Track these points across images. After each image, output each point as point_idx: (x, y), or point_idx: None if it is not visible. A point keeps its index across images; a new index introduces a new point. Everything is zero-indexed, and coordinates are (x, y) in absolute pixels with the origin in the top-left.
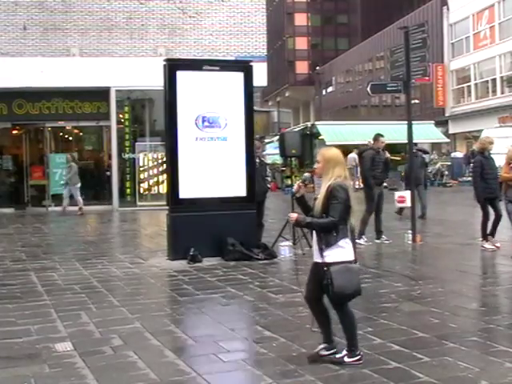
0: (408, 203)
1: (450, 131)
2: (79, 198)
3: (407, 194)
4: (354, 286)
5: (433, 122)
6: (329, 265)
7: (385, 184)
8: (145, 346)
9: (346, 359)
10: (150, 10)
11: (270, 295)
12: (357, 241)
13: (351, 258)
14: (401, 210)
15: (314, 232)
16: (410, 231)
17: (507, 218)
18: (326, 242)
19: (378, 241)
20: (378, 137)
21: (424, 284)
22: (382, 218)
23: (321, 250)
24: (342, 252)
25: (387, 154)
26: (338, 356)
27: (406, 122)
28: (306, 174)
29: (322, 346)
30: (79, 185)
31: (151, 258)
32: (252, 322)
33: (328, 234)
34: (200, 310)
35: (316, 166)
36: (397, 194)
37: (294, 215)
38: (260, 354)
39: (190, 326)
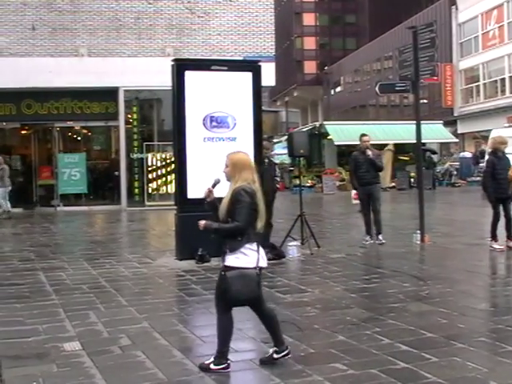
0: None
1: (459, 131)
2: (7, 202)
3: None
4: (248, 293)
5: (441, 121)
6: (226, 269)
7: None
8: (153, 346)
9: (212, 366)
10: (158, 10)
11: (277, 295)
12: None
13: (251, 265)
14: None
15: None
16: (418, 231)
17: None
18: (230, 247)
19: (376, 241)
20: (361, 136)
21: (432, 284)
22: (381, 219)
23: (224, 254)
24: (242, 258)
25: (369, 153)
26: (206, 362)
27: (415, 122)
28: (217, 178)
29: (271, 349)
30: (10, 188)
31: (159, 257)
32: (260, 322)
33: (233, 239)
34: (208, 309)
35: (223, 169)
36: (353, 192)
37: (202, 222)
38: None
39: (197, 325)
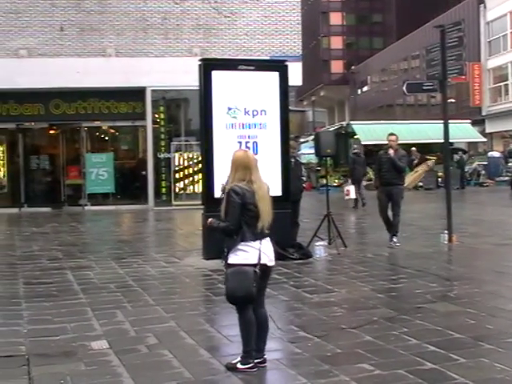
0: (352, 195)
1: (487, 130)
2: None
3: (351, 188)
4: (244, 289)
5: (469, 121)
6: (228, 266)
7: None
8: (179, 345)
9: (239, 365)
10: (185, 11)
11: (304, 295)
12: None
13: (249, 261)
14: (356, 204)
15: None
16: (445, 231)
17: None
18: (227, 245)
19: (390, 243)
20: (388, 135)
21: (460, 284)
22: (398, 221)
23: (224, 252)
24: (241, 255)
25: (390, 151)
26: (233, 361)
27: (442, 122)
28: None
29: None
30: None
31: (186, 257)
32: (287, 322)
33: (229, 238)
34: (234, 309)
35: None
36: (345, 188)
37: (209, 220)
38: (295, 353)
39: (224, 325)
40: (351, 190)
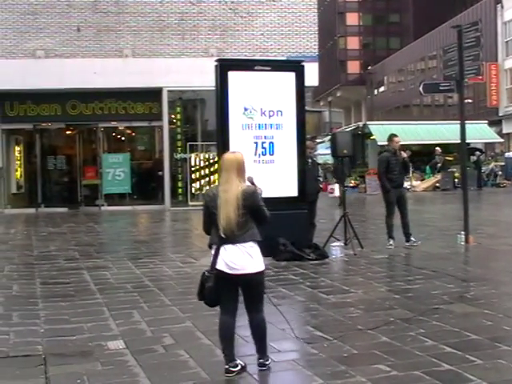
0: (336, 193)
1: (504, 131)
2: None
3: (336, 186)
4: (206, 292)
5: (486, 121)
6: None
7: (409, 185)
8: (196, 345)
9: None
10: (201, 11)
11: (321, 295)
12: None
13: (212, 265)
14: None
15: None
16: (462, 232)
17: None
18: None
19: (407, 244)
20: (392, 137)
21: (477, 286)
22: (409, 221)
23: None
24: (210, 258)
25: (403, 155)
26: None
27: (459, 122)
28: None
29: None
30: None
31: (203, 257)
32: (303, 323)
33: None
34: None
35: None
36: (329, 187)
37: None
38: (311, 354)
39: (240, 325)
40: (335, 189)
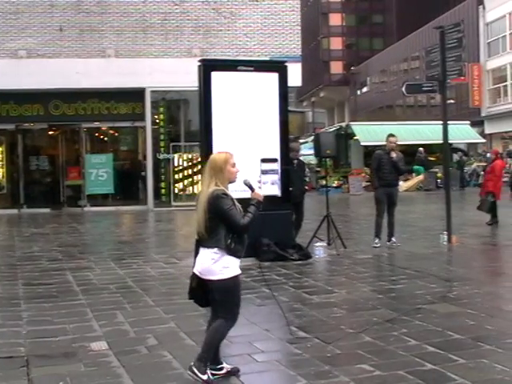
0: None
1: (486, 131)
2: None
3: None
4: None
5: (468, 122)
6: None
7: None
8: (180, 346)
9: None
10: (184, 11)
11: (304, 296)
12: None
13: None
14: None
15: None
16: (445, 232)
17: None
18: None
19: (387, 243)
20: (388, 137)
21: (460, 285)
22: (394, 221)
23: None
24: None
25: (393, 155)
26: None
27: (442, 123)
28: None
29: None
30: None
31: (186, 258)
32: (287, 323)
33: None
34: None
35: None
36: None
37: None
38: (294, 354)
39: None
40: None
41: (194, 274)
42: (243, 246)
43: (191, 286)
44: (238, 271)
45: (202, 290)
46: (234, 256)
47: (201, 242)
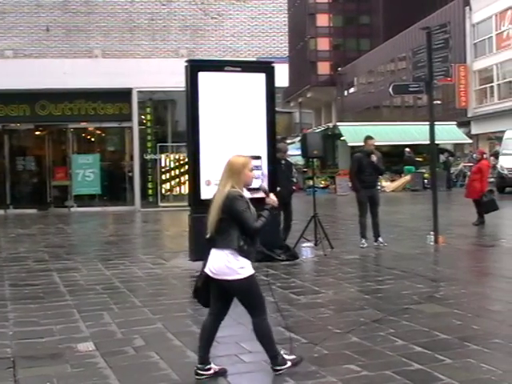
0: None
1: (473, 132)
2: None
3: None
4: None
5: (455, 122)
6: None
7: (379, 185)
8: (167, 347)
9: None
10: (171, 12)
11: (291, 296)
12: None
13: None
14: None
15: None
16: (432, 232)
17: None
18: None
19: (374, 243)
20: (366, 139)
21: (447, 285)
22: (379, 221)
23: None
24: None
25: (374, 158)
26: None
27: (429, 123)
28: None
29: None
30: None
31: (173, 258)
32: (274, 323)
33: None
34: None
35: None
36: None
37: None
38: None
39: None
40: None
41: (201, 273)
42: (255, 248)
43: (196, 285)
44: (252, 271)
45: (207, 291)
46: (247, 258)
47: (212, 243)
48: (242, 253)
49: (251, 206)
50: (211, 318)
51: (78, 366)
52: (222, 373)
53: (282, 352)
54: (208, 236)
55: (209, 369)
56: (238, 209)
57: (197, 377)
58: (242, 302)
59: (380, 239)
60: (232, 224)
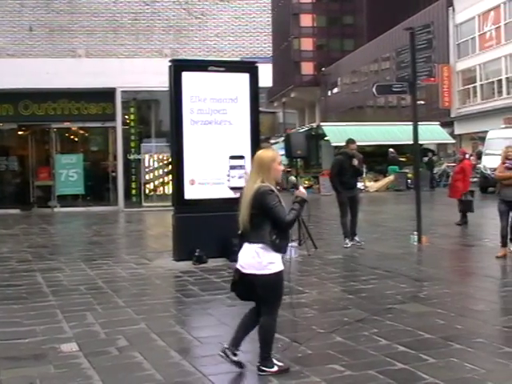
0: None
1: (456, 132)
2: None
3: None
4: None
5: (438, 122)
6: None
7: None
8: (150, 347)
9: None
10: (155, 12)
11: None
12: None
13: None
14: None
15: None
16: (415, 232)
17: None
18: None
19: (351, 242)
20: (348, 142)
21: (430, 285)
22: (357, 221)
23: None
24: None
25: (355, 162)
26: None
27: (412, 123)
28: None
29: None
30: None
31: (157, 258)
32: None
33: None
34: (205, 310)
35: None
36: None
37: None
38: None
39: (195, 326)
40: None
41: (237, 267)
42: (287, 241)
43: (234, 278)
44: (281, 267)
45: (244, 284)
46: (279, 252)
47: (245, 237)
48: (275, 247)
49: (282, 200)
50: (250, 310)
51: (62, 367)
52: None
53: (274, 360)
54: (240, 232)
55: (233, 354)
56: (269, 203)
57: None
58: (261, 298)
59: (356, 238)
60: (264, 219)
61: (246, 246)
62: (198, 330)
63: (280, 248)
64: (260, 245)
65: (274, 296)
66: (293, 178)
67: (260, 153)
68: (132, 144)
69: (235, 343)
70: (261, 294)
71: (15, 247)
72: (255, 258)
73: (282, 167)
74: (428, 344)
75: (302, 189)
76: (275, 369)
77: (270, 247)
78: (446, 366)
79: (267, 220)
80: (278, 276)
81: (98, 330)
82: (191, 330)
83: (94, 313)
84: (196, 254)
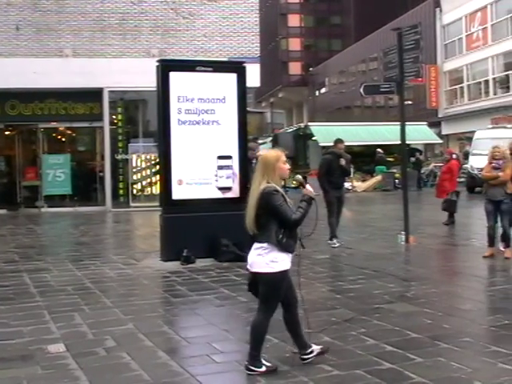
0: None
1: (443, 132)
2: None
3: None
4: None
5: (426, 123)
6: None
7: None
8: (138, 347)
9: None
10: (142, 11)
11: None
12: (329, 242)
13: None
14: None
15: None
16: (403, 232)
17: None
18: None
19: (329, 242)
20: (336, 142)
21: (417, 285)
22: (339, 221)
23: None
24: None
25: (343, 162)
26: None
27: (400, 123)
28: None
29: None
30: None
31: (144, 259)
32: (245, 323)
33: None
34: (193, 311)
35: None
36: None
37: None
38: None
39: (183, 327)
40: None
41: (247, 267)
42: (295, 240)
43: (250, 278)
44: (287, 266)
45: (257, 284)
46: (286, 251)
47: (254, 238)
48: (281, 246)
49: (288, 199)
50: (285, 310)
51: (49, 368)
52: (324, 351)
53: (263, 361)
54: (250, 232)
55: (311, 351)
56: (274, 203)
57: (304, 362)
58: (260, 295)
59: (334, 240)
60: (270, 218)
61: (254, 245)
62: (185, 330)
63: (287, 247)
64: (265, 244)
65: (273, 295)
66: (299, 177)
67: (264, 154)
68: (119, 144)
69: (300, 345)
70: (262, 291)
71: (2, 248)
72: (259, 257)
73: (287, 166)
74: (415, 343)
75: (308, 187)
76: (263, 369)
77: (275, 246)
78: (434, 365)
79: (273, 220)
80: (280, 275)
81: (86, 330)
82: (179, 331)
83: (81, 313)
84: (184, 254)
